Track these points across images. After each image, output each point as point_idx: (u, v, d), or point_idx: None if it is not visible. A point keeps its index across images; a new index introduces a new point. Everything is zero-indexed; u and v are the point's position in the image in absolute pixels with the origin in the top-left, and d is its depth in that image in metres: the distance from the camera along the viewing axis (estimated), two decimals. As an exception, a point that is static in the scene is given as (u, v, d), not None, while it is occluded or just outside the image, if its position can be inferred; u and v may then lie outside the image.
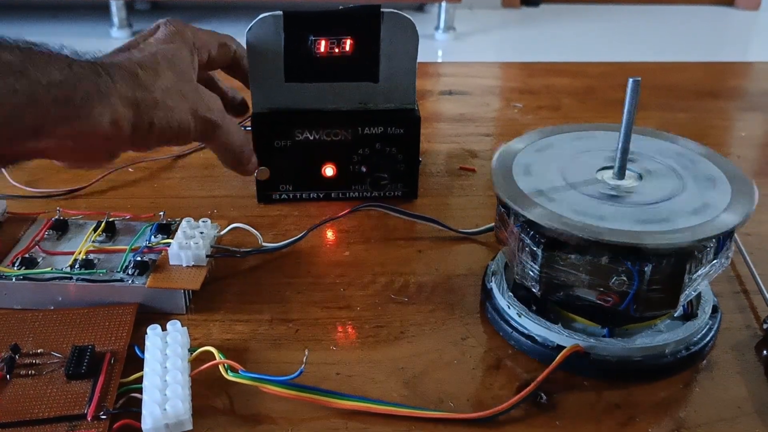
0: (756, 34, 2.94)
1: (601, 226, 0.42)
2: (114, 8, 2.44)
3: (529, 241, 0.44)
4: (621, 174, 0.47)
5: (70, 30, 2.48)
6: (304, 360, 0.41)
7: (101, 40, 2.39)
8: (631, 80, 0.45)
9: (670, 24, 2.94)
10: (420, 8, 2.89)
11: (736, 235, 0.57)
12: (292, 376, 0.41)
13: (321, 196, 0.63)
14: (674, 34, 2.79)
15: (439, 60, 2.38)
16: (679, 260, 0.42)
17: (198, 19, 2.62)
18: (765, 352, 0.47)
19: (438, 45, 2.55)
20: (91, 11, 2.64)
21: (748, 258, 0.55)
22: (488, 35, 2.69)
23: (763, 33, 2.93)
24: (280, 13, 0.57)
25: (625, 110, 0.45)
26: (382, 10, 0.57)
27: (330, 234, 0.60)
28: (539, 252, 0.43)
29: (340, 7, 0.57)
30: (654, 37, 2.71)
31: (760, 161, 0.76)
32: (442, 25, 2.58)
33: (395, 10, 0.57)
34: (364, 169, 0.61)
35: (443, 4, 2.55)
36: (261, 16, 0.57)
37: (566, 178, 0.47)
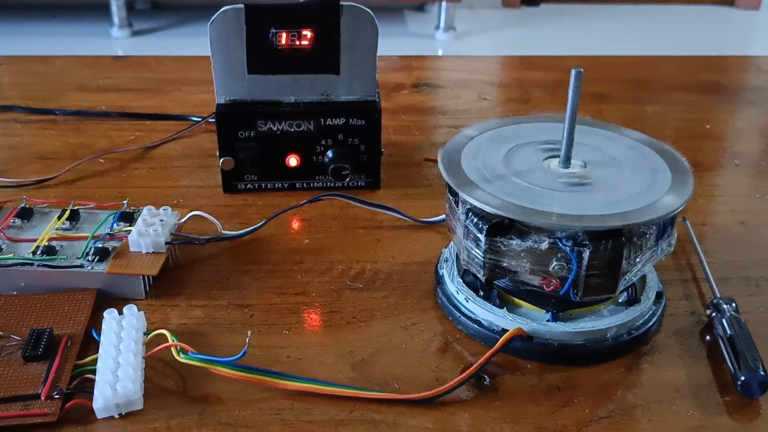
0: (756, 34, 2.94)
1: (541, 211, 0.43)
2: (114, 8, 2.44)
3: (472, 228, 0.45)
4: (566, 162, 0.48)
5: (70, 30, 2.49)
6: (247, 341, 0.42)
7: (101, 39, 2.40)
8: (573, 71, 0.46)
9: (671, 23, 2.94)
10: (420, 8, 2.90)
11: (688, 224, 0.59)
12: (236, 357, 0.42)
13: (286, 186, 0.65)
14: (674, 33, 2.79)
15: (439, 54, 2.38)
16: (616, 245, 0.43)
17: (197, 19, 2.63)
18: (708, 336, 0.49)
19: (438, 45, 2.55)
20: (91, 11, 2.65)
21: (698, 246, 0.56)
22: (488, 35, 2.69)
23: (764, 32, 2.93)
24: (242, 6, 0.58)
25: (569, 100, 0.47)
26: (341, 3, 0.58)
27: (292, 223, 0.61)
28: (482, 238, 0.44)
29: (301, 0, 0.59)
30: (654, 37, 2.72)
31: (722, 152, 0.77)
32: (442, 24, 2.58)
33: (355, 4, 0.59)
34: (326, 160, 0.62)
35: (443, 3, 2.55)
36: (223, 9, 0.58)
37: (513, 166, 0.48)
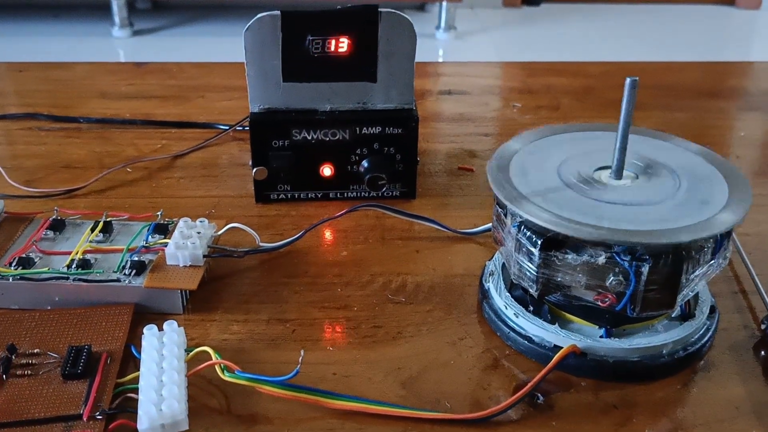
0: (757, 34, 2.93)
1: (598, 226, 0.41)
2: (115, 7, 2.44)
3: (525, 242, 0.44)
4: (618, 174, 0.47)
5: (71, 30, 2.48)
6: (300, 360, 0.41)
7: (102, 39, 2.39)
8: (628, 80, 0.44)
9: (671, 23, 2.94)
10: (421, 7, 2.89)
11: (734, 234, 0.58)
12: (288, 376, 0.41)
13: (319, 196, 0.63)
14: (675, 33, 2.79)
15: (440, 59, 2.37)
16: (676, 260, 0.42)
17: (198, 19, 2.62)
18: (763, 352, 0.47)
19: (439, 44, 2.55)
20: (92, 11, 2.64)
21: (746, 258, 0.55)
22: (489, 34, 2.69)
23: (765, 32, 2.93)
24: (278, 12, 0.57)
25: (623, 110, 0.45)
26: (380, 9, 0.57)
27: (328, 234, 0.60)
28: (536, 252, 0.43)
29: (338, 7, 0.57)
30: (655, 37, 2.71)
31: (760, 161, 0.75)
32: (443, 24, 2.58)
33: (393, 10, 0.57)
34: (362, 170, 0.61)
35: (444, 3, 2.55)
36: (259, 15, 0.57)
37: (563, 177, 0.47)
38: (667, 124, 0.82)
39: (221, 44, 2.27)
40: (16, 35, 2.39)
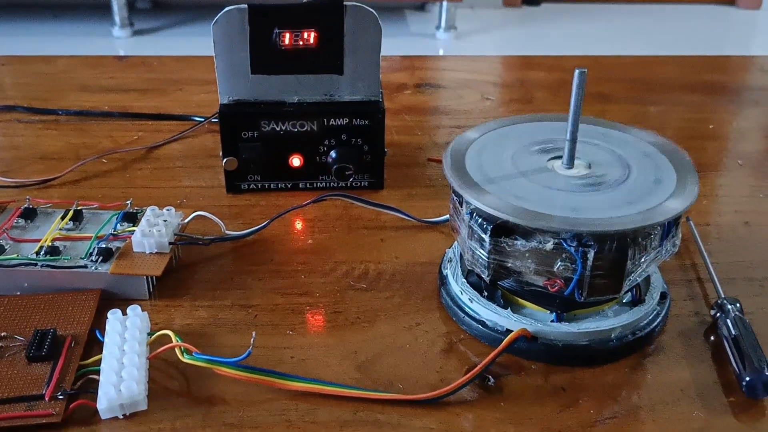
0: (757, 33, 2.93)
1: (545, 213, 0.43)
2: (115, 7, 2.44)
3: (477, 228, 0.45)
4: (570, 163, 0.48)
5: (71, 29, 2.49)
6: (252, 342, 0.42)
7: (103, 39, 2.39)
8: (577, 71, 0.46)
9: (672, 23, 2.94)
10: (421, 7, 2.89)
11: (692, 224, 0.59)
12: (241, 357, 0.42)
13: (289, 186, 0.65)
14: (675, 33, 2.79)
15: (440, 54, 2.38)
16: (621, 246, 0.43)
17: (198, 19, 2.62)
18: (712, 337, 0.49)
19: (439, 44, 2.55)
20: (92, 10, 2.65)
21: (702, 247, 0.56)
22: (489, 34, 2.69)
23: (765, 32, 2.93)
24: (245, 6, 0.58)
25: (572, 101, 0.46)
26: (345, 3, 0.58)
27: (295, 223, 0.61)
28: (486, 238, 0.44)
29: (305, 1, 0.59)
30: (655, 36, 2.71)
31: (724, 153, 0.77)
32: (443, 24, 2.58)
33: (358, 4, 0.59)
34: (330, 160, 0.62)
35: (444, 3, 2.55)
36: (226, 9, 0.58)
37: (517, 166, 0.48)
38: (637, 117, 0.84)
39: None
40: (16, 35, 2.40)
